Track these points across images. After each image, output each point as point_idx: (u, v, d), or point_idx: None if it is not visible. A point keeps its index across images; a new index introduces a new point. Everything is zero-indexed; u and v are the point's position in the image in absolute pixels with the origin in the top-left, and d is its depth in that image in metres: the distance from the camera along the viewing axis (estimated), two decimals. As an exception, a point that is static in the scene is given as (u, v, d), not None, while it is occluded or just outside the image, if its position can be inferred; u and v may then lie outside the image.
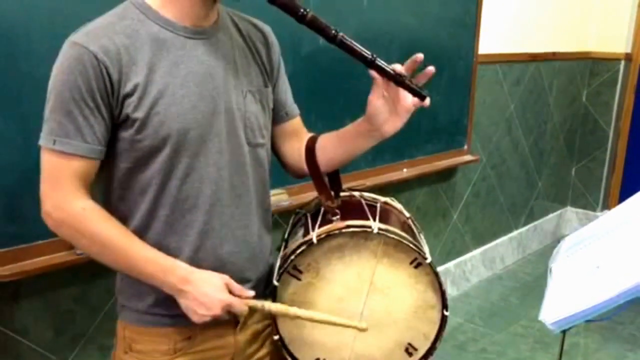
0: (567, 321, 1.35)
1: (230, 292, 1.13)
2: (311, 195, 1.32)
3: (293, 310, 1.16)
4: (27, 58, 1.51)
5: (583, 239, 1.70)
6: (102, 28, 1.05)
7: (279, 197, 2.13)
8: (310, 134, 1.33)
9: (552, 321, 1.36)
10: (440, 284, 1.20)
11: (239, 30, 1.21)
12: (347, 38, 1.09)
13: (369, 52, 1.10)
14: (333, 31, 1.08)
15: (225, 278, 1.13)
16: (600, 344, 2.98)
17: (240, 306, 1.13)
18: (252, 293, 1.16)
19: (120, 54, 1.04)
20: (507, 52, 3.39)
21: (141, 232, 1.12)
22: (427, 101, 1.13)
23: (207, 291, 1.10)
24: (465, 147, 3.18)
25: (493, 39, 3.24)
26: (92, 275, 1.79)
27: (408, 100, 1.13)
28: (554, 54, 3.77)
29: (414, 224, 1.35)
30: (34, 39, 1.51)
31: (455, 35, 2.92)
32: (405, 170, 2.79)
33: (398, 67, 1.11)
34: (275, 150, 1.31)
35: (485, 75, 3.27)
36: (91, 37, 1.03)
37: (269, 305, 1.16)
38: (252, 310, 1.17)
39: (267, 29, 1.27)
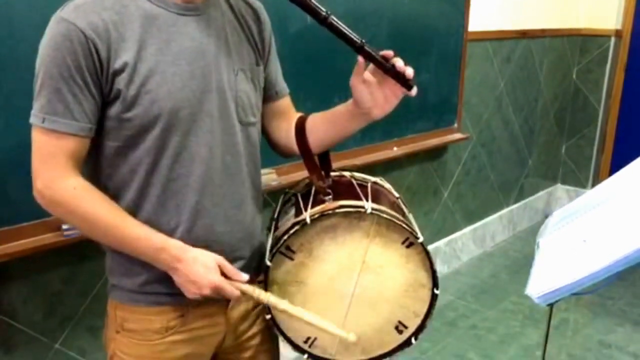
0: (553, 295, 1.36)
1: (224, 273, 1.12)
2: (300, 174, 1.32)
3: (283, 304, 1.16)
4: (8, 38, 1.48)
5: (570, 214, 1.71)
6: (90, 3, 1.02)
7: (269, 177, 2.12)
8: (299, 114, 1.32)
9: (539, 295, 1.37)
10: (431, 263, 1.20)
11: (231, 6, 1.19)
12: (337, 21, 1.08)
13: (358, 37, 1.09)
14: (324, 13, 1.07)
15: (219, 259, 1.13)
16: (589, 319, 3.02)
17: (231, 290, 1.12)
18: (246, 277, 1.15)
19: (108, 30, 1.01)
20: (497, 30, 3.38)
21: (132, 212, 1.11)
22: (414, 91, 1.14)
23: (198, 270, 1.09)
24: (456, 125, 3.18)
25: (483, 16, 3.22)
26: (80, 256, 1.78)
27: (395, 87, 1.14)
28: (543, 30, 3.76)
29: (403, 204, 1.34)
30: (15, 18, 1.48)
31: (445, 12, 2.90)
32: (395, 148, 2.78)
33: (387, 53, 1.11)
34: (263, 129, 1.30)
35: (475, 53, 3.25)
36: (79, 13, 1.01)
37: (258, 293, 1.15)
38: (244, 295, 1.16)
39: (259, 5, 1.25)
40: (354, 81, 1.14)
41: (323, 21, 1.08)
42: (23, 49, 1.49)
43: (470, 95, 3.31)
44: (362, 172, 1.37)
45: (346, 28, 1.08)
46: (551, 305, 1.47)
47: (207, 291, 1.10)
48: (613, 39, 4.01)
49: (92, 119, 1.05)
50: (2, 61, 1.48)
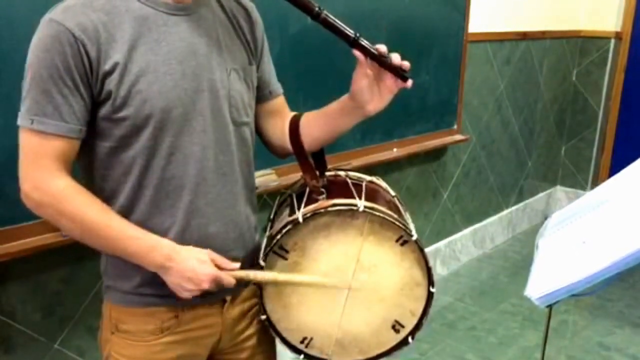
0: (553, 296, 1.36)
1: (216, 265, 1.13)
2: (300, 175, 1.32)
3: (280, 276, 1.16)
4: (8, 38, 1.49)
5: (570, 216, 1.71)
6: (79, 5, 1.03)
7: (268, 178, 2.12)
8: (293, 113, 1.32)
9: (538, 296, 1.37)
10: (426, 261, 1.20)
11: (222, 6, 1.19)
12: (330, 16, 1.09)
13: (352, 31, 1.09)
14: (316, 8, 1.08)
15: (209, 252, 1.13)
16: (588, 321, 3.02)
17: (227, 278, 1.12)
18: (237, 265, 1.16)
19: (98, 31, 1.02)
20: (497, 31, 3.38)
21: (126, 213, 1.11)
22: (409, 83, 1.15)
23: (193, 266, 1.09)
24: (455, 126, 3.18)
25: (483, 17, 3.22)
26: (80, 256, 1.78)
27: (390, 81, 1.14)
28: (543, 32, 3.76)
29: (400, 202, 1.35)
30: (15, 18, 1.49)
31: (445, 14, 2.90)
32: (395, 150, 2.79)
33: (382, 48, 1.11)
34: (258, 130, 1.30)
35: (475, 54, 3.25)
36: (68, 14, 1.01)
37: (254, 274, 1.16)
38: (240, 282, 1.16)
39: (251, 5, 1.25)
40: (357, 74, 1.14)
41: (316, 17, 1.08)
42: (23, 49, 1.49)
43: (470, 97, 3.31)
44: (362, 173, 1.37)
45: (340, 23, 1.09)
46: (550, 307, 1.47)
47: (206, 285, 1.10)
48: (613, 41, 4.01)
49: (82, 121, 1.05)
50: (2, 62, 1.49)
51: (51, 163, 1.04)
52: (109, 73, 1.03)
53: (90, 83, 1.03)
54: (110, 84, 1.03)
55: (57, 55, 1.00)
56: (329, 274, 1.20)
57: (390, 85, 1.15)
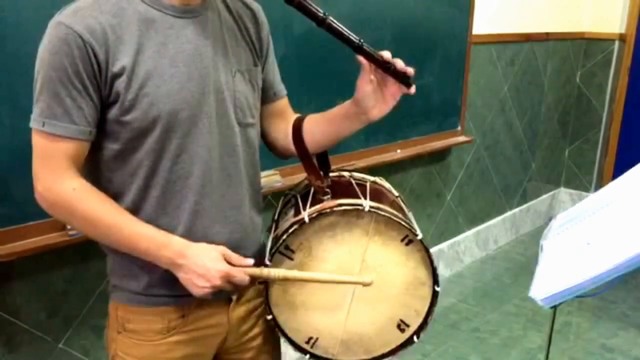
0: (557, 297, 1.36)
1: (229, 262, 1.12)
2: (304, 176, 1.32)
3: (293, 273, 1.16)
4: (15, 37, 1.49)
5: (574, 217, 1.71)
6: (87, 7, 1.03)
7: (272, 178, 2.13)
8: (296, 115, 1.33)
9: (543, 297, 1.37)
10: (431, 261, 1.21)
11: (228, 8, 1.20)
12: (335, 22, 1.09)
13: (356, 37, 1.10)
14: (321, 14, 1.08)
15: (221, 249, 1.13)
16: (592, 323, 3.02)
17: (240, 275, 1.12)
18: (251, 261, 1.15)
19: (106, 33, 1.02)
20: (501, 33, 3.39)
21: (132, 214, 1.11)
22: (413, 89, 1.16)
23: (204, 263, 1.09)
24: (459, 128, 3.18)
25: (487, 19, 3.23)
26: (85, 256, 1.79)
27: (394, 87, 1.15)
28: (547, 34, 3.76)
29: (403, 203, 1.35)
30: (22, 18, 1.50)
31: (449, 15, 2.91)
32: (398, 151, 2.79)
33: (386, 54, 1.12)
34: (261, 130, 1.30)
35: (479, 56, 3.26)
36: (77, 17, 1.01)
37: (267, 271, 1.15)
38: (254, 279, 1.16)
39: (257, 6, 1.25)
40: (361, 81, 1.15)
41: (321, 23, 1.08)
42: (29, 49, 1.49)
43: (474, 99, 3.31)
44: (365, 174, 1.37)
45: (344, 29, 1.09)
46: (555, 308, 1.47)
47: (218, 281, 1.09)
48: (617, 43, 4.01)
49: (92, 123, 1.05)
50: (9, 62, 1.49)
51: (62, 164, 1.05)
52: (118, 75, 1.04)
53: (99, 85, 1.04)
54: (119, 86, 1.04)
55: (66, 58, 1.00)
56: (335, 273, 1.20)
57: (394, 91, 1.16)
